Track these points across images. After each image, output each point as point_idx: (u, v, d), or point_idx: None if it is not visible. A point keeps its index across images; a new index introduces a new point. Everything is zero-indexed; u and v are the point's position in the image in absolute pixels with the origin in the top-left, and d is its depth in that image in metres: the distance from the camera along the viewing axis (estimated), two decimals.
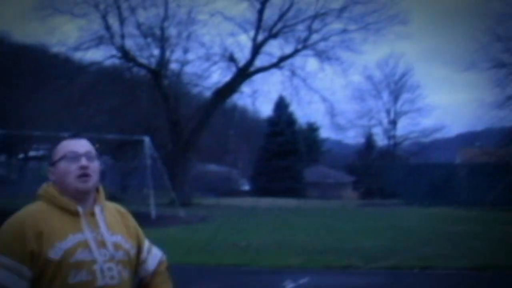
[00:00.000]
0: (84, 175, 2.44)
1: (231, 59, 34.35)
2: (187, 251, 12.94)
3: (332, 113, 36.66)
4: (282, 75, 35.59)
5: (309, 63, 76.32)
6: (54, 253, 2.27)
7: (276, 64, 34.72)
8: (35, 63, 37.75)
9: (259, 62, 34.92)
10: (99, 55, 34.15)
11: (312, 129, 63.91)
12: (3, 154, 64.54)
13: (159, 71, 33.77)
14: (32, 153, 69.23)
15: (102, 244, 2.39)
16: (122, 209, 2.70)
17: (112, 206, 2.65)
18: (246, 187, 64.60)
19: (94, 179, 2.47)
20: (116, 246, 2.43)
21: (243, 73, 34.24)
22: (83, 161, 2.45)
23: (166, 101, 33.74)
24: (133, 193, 42.57)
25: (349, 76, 51.24)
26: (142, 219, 13.88)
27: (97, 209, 2.46)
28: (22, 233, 2.29)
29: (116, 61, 34.63)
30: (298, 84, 35.01)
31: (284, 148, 55.92)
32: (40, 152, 68.85)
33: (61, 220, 2.35)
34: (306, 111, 61.42)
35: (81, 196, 2.41)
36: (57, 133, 30.74)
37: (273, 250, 13.19)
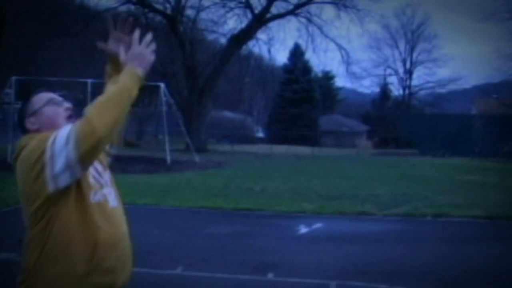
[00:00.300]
0: (70, 116, 2.73)
1: (247, 5, 34.07)
2: (202, 196, 13.13)
3: (347, 61, 36.46)
4: (298, 22, 35.33)
5: (326, 10, 75.51)
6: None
7: (292, 11, 34.38)
8: (50, 9, 37.63)
9: (275, 9, 34.66)
10: (114, 0, 33.95)
11: (328, 77, 63.70)
12: (21, 101, 64.92)
13: (174, 17, 33.59)
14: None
15: (99, 173, 2.67)
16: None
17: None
18: (260, 134, 64.83)
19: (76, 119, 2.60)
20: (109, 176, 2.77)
21: (259, 20, 33.97)
22: (68, 104, 2.78)
23: (182, 47, 33.65)
24: (149, 139, 42.92)
25: (366, 25, 50.89)
26: (158, 164, 14.19)
27: None
28: None
29: (131, 7, 34.48)
30: (314, 32, 34.79)
31: (299, 96, 55.87)
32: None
33: None
34: (322, 59, 60.93)
35: None
36: (77, 79, 30.99)
37: (288, 196, 13.35)
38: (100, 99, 2.56)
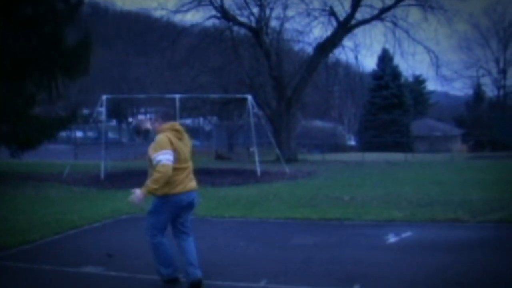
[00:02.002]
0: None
1: (332, 13, 33.80)
2: (290, 206, 13.03)
3: (437, 64, 35.40)
4: (384, 27, 34.70)
5: (412, 13, 73.94)
6: None
7: (378, 16, 33.80)
8: (138, 28, 38.65)
9: (360, 14, 34.17)
10: (199, 16, 34.56)
11: (419, 81, 62.41)
12: (114, 119, 66.97)
13: (259, 29, 33.76)
14: (140, 117, 71.57)
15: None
16: (157, 138, 6.25)
17: (158, 136, 6.28)
18: (352, 142, 64.19)
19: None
20: (148, 157, 6.26)
21: (344, 27, 33.63)
22: None
23: (268, 58, 33.74)
24: (239, 151, 43.27)
25: (454, 25, 49.46)
26: (248, 176, 14.19)
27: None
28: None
29: (216, 21, 34.94)
30: (401, 36, 34.03)
31: (390, 101, 55.03)
32: (148, 115, 71.12)
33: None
34: (411, 63, 59.78)
35: None
36: (164, 95, 31.67)
37: (377, 204, 13.04)
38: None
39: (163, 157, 6.07)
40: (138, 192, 6.14)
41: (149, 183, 6.08)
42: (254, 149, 24.33)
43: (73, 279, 7.04)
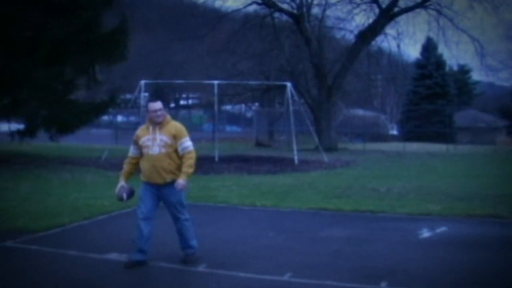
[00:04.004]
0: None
1: (374, 0, 33.24)
2: (324, 196, 12.81)
3: (482, 53, 34.47)
4: (427, 15, 33.93)
5: (457, 1, 72.29)
6: (140, 142, 6.81)
7: (421, 4, 33.05)
8: (178, 13, 38.62)
9: (403, 2, 33.48)
10: (240, 2, 34.31)
11: (463, 71, 61.16)
12: None
13: (300, 15, 33.40)
14: (182, 102, 71.79)
15: (154, 139, 6.74)
16: (175, 124, 6.90)
17: (172, 123, 6.87)
18: (394, 132, 63.40)
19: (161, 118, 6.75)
20: (160, 140, 6.71)
21: (387, 15, 33.00)
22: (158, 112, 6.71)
23: (309, 45, 33.36)
24: (279, 139, 43.05)
25: (501, 14, 48.18)
26: (285, 164, 14.04)
27: (157, 126, 6.73)
28: (136, 136, 6.90)
29: (257, 7, 34.67)
30: (445, 24, 33.22)
31: (433, 91, 54.10)
32: (190, 101, 71.26)
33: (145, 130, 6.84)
34: (455, 52, 58.28)
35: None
36: (203, 81, 31.63)
37: (413, 196, 12.72)
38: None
39: (191, 143, 6.86)
40: (182, 182, 6.69)
41: (188, 169, 6.73)
42: (292, 137, 24.08)
43: (96, 265, 6.97)
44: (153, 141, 6.73)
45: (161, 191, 6.84)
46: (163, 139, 6.71)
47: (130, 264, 6.77)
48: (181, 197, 6.94)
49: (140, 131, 6.92)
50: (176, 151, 6.77)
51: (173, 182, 6.73)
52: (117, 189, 6.97)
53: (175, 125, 6.87)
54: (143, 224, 6.81)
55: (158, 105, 6.74)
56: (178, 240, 7.11)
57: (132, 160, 7.01)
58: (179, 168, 6.77)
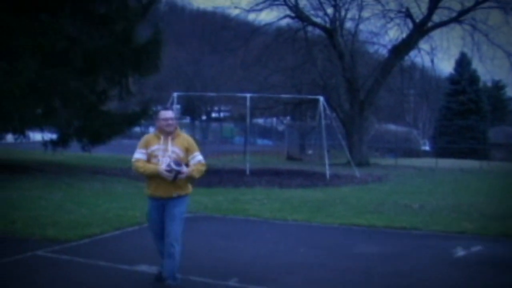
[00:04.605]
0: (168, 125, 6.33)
1: (408, 14, 32.99)
2: (356, 212, 12.65)
3: None
4: (462, 30, 33.59)
5: (492, 16, 71.54)
6: (150, 150, 6.32)
7: (456, 18, 32.74)
8: (212, 27, 38.87)
9: (437, 17, 33.20)
10: (273, 15, 34.53)
11: (497, 87, 60.47)
12: (188, 116, 67.69)
13: (333, 29, 33.34)
14: (214, 115, 71.96)
15: (165, 149, 6.27)
16: (187, 137, 6.55)
17: (184, 135, 6.53)
18: (426, 147, 62.81)
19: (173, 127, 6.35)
20: (173, 151, 6.26)
21: (421, 29, 32.77)
22: (169, 121, 6.32)
23: (342, 60, 33.27)
24: (311, 153, 42.90)
25: None
26: (316, 178, 13.92)
27: (170, 137, 6.31)
28: (145, 141, 6.41)
29: (290, 21, 34.73)
30: (480, 39, 32.82)
31: (467, 107, 53.49)
32: (221, 114, 71.42)
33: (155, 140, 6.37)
34: (489, 68, 57.60)
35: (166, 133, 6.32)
36: (235, 94, 31.71)
37: (447, 214, 12.51)
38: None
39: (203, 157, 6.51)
40: (186, 171, 6.20)
41: (198, 169, 6.34)
42: (324, 151, 23.96)
43: (126, 276, 6.93)
44: (164, 152, 6.27)
45: (167, 205, 6.37)
46: (175, 151, 6.30)
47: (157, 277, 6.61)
48: (184, 210, 6.47)
49: (149, 138, 6.46)
50: (186, 165, 6.32)
51: (179, 197, 6.37)
52: (164, 173, 6.14)
53: (187, 138, 6.53)
54: (156, 243, 6.60)
55: (170, 113, 6.39)
56: (164, 265, 6.45)
57: (144, 161, 6.35)
58: (186, 183, 6.42)
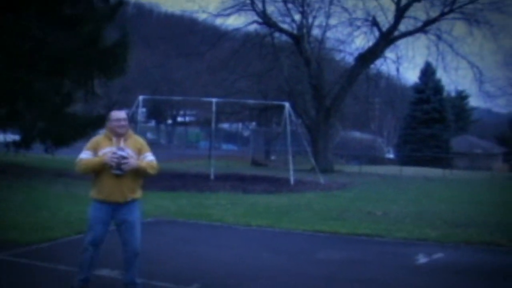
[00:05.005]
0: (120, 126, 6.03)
1: (374, 23, 33.37)
2: (320, 218, 12.70)
3: (480, 80, 34.53)
4: (427, 39, 34.09)
5: (457, 27, 72.62)
6: (100, 152, 5.91)
7: (421, 28, 33.21)
8: (180, 31, 38.80)
9: (403, 26, 33.72)
10: (241, 21, 34.63)
11: (461, 97, 61.41)
12: (153, 120, 67.38)
13: (301, 36, 33.50)
14: (179, 119, 71.74)
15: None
16: (139, 138, 6.22)
17: (135, 136, 6.18)
18: (391, 155, 63.43)
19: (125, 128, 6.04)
20: (126, 153, 5.88)
21: (387, 38, 33.17)
22: (122, 122, 6.02)
23: (308, 66, 33.46)
24: (276, 159, 42.99)
25: (500, 41, 48.37)
26: (281, 184, 13.92)
27: (122, 138, 6.00)
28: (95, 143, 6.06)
29: (257, 26, 34.83)
30: (445, 50, 33.37)
31: (431, 116, 54.24)
32: (187, 118, 71.24)
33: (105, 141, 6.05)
34: (453, 77, 58.60)
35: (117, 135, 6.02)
36: (201, 98, 31.64)
37: (410, 221, 12.62)
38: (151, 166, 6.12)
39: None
40: (135, 161, 5.95)
41: (149, 165, 6.05)
42: (289, 157, 24.02)
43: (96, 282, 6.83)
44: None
45: (118, 211, 6.04)
46: (129, 153, 5.95)
47: None
48: (139, 216, 6.24)
49: (99, 140, 6.12)
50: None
51: (133, 201, 6.09)
52: (109, 160, 5.86)
53: (139, 139, 6.21)
54: (93, 250, 6.16)
55: (122, 114, 6.09)
56: (123, 273, 6.31)
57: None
58: (139, 186, 6.19)
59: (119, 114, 6.06)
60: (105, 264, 7.46)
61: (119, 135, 6.02)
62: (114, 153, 5.83)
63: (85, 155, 5.98)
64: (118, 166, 5.84)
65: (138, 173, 6.04)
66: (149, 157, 6.11)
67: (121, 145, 5.96)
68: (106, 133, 6.12)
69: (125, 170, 5.88)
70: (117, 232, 6.20)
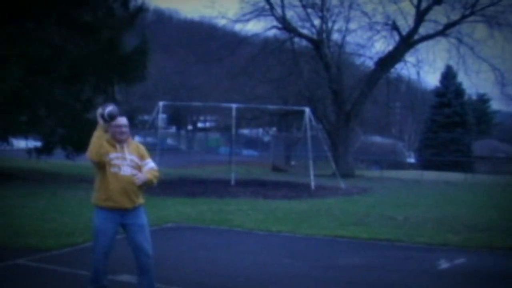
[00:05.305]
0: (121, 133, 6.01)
1: (394, 27, 33.19)
2: (340, 224, 12.63)
3: (502, 83, 34.19)
4: (448, 43, 33.85)
5: (477, 29, 72.20)
6: (108, 157, 5.86)
7: (442, 32, 32.99)
8: (199, 37, 38.92)
9: (423, 30, 33.45)
10: (260, 26, 34.66)
11: (483, 100, 60.90)
12: (174, 126, 67.64)
13: (320, 41, 33.44)
14: (200, 125, 71.93)
15: (124, 158, 5.94)
16: (138, 144, 6.28)
17: (135, 142, 6.26)
18: (411, 159, 63.03)
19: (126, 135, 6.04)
20: (131, 160, 5.99)
21: (407, 42, 32.98)
22: (123, 128, 5.99)
23: (328, 71, 33.37)
24: (296, 164, 42.91)
25: None
26: (301, 190, 13.87)
27: (125, 145, 6.00)
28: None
29: (277, 32, 34.82)
30: (466, 53, 33.08)
31: (452, 120, 53.80)
32: (207, 124, 71.40)
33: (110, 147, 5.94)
34: (475, 81, 58.00)
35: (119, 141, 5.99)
36: (221, 104, 31.69)
37: (432, 226, 12.51)
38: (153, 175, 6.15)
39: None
40: (143, 176, 5.98)
41: (152, 174, 6.09)
42: (309, 162, 23.94)
43: (107, 286, 6.83)
44: (123, 160, 5.94)
45: (126, 217, 6.02)
46: (133, 159, 6.02)
47: None
48: (147, 219, 6.24)
49: (105, 145, 5.90)
50: None
51: (140, 206, 6.10)
52: (99, 113, 5.76)
53: (139, 145, 6.26)
54: (104, 259, 6.11)
55: (123, 120, 5.99)
56: (138, 279, 6.18)
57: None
58: (143, 191, 6.17)
59: (120, 121, 5.94)
60: (125, 269, 7.49)
61: (119, 141, 5.98)
62: (102, 108, 5.73)
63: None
64: (110, 113, 5.73)
65: (145, 185, 6.06)
66: (150, 164, 6.15)
67: (125, 152, 5.96)
68: (108, 139, 5.96)
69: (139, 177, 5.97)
70: (127, 240, 6.16)
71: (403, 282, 7.44)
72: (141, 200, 6.11)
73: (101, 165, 5.89)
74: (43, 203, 14.39)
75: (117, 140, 5.96)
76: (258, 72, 34.87)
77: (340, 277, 7.64)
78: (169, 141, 58.28)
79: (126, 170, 5.91)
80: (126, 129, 5.99)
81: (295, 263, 8.50)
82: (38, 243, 9.07)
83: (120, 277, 7.22)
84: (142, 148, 6.19)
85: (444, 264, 8.53)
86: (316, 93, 35.33)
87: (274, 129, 51.93)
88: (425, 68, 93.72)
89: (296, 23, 34.25)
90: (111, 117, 5.75)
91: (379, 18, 34.14)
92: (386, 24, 33.59)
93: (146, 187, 6.18)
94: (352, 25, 35.68)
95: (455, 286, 7.33)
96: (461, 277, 7.80)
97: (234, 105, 24.45)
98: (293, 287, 7.04)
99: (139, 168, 6.03)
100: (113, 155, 5.91)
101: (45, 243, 9.13)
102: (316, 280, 7.48)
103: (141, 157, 6.10)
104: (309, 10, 34.00)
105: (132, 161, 5.99)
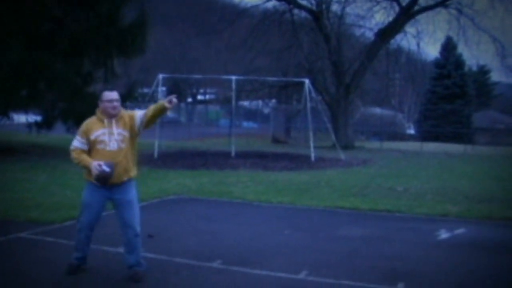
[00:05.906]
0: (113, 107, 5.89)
1: None
2: (340, 195, 12.70)
3: (502, 54, 34.07)
4: (448, 14, 33.65)
5: (478, 0, 71.72)
6: (93, 136, 5.86)
7: (442, 2, 32.79)
8: (197, 8, 38.68)
9: (423, 0, 33.28)
10: None
11: (483, 71, 60.70)
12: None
13: (320, 12, 33.24)
14: (199, 97, 71.78)
15: (111, 133, 5.85)
16: (127, 113, 6.00)
17: (126, 114, 5.99)
18: (411, 131, 63.03)
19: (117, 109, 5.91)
20: (118, 133, 5.88)
21: (407, 13, 32.81)
22: (115, 103, 5.88)
23: (328, 43, 33.23)
24: (296, 136, 42.93)
25: None
26: (301, 161, 13.93)
27: (114, 119, 5.87)
28: (85, 128, 5.92)
29: (276, 3, 34.62)
30: (466, 24, 32.92)
31: (452, 91, 53.68)
32: (207, 96, 71.27)
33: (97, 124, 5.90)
34: (475, 52, 57.87)
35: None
36: (221, 76, 31.61)
37: (431, 197, 12.59)
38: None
39: None
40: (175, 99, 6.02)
41: (153, 107, 5.99)
42: (309, 134, 23.97)
43: (109, 258, 6.91)
44: (110, 136, 5.86)
45: (114, 192, 5.99)
46: (121, 133, 5.90)
47: (72, 269, 6.21)
48: (136, 194, 6.15)
49: (90, 123, 5.92)
50: (132, 148, 6.08)
51: (128, 180, 6.03)
52: (93, 169, 5.77)
53: (127, 113, 6.02)
54: (89, 230, 6.19)
55: (115, 94, 5.89)
56: (125, 255, 6.19)
57: (81, 151, 5.93)
58: (134, 165, 6.13)
59: (112, 95, 5.88)
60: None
61: (111, 116, 5.89)
62: (99, 165, 5.72)
63: (78, 144, 5.93)
64: (98, 178, 5.79)
65: (131, 154, 6.09)
66: (140, 112, 5.99)
67: (113, 127, 5.88)
68: (98, 114, 5.95)
69: (104, 184, 5.86)
70: (115, 214, 6.19)
71: (404, 252, 7.50)
72: (131, 173, 6.06)
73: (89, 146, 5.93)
74: (44, 177, 14.44)
75: (109, 115, 5.87)
76: (258, 44, 34.71)
77: (342, 247, 7.70)
78: (169, 113, 57.92)
79: (113, 145, 5.87)
80: (118, 104, 5.90)
81: (296, 234, 8.57)
82: (39, 217, 9.14)
83: (122, 248, 7.26)
84: (129, 114, 6.00)
85: (443, 235, 8.60)
86: (315, 64, 35.22)
87: (273, 101, 51.80)
88: (425, 39, 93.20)
89: None
90: (103, 182, 5.85)
91: None
92: None
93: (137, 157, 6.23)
94: None
95: (455, 256, 7.39)
96: (461, 247, 7.86)
97: (233, 77, 24.41)
98: (294, 257, 7.09)
99: (128, 141, 5.96)
100: (98, 131, 5.85)
101: (46, 216, 9.19)
102: (318, 250, 7.54)
103: (130, 127, 5.97)
104: None
105: (119, 135, 5.90)
